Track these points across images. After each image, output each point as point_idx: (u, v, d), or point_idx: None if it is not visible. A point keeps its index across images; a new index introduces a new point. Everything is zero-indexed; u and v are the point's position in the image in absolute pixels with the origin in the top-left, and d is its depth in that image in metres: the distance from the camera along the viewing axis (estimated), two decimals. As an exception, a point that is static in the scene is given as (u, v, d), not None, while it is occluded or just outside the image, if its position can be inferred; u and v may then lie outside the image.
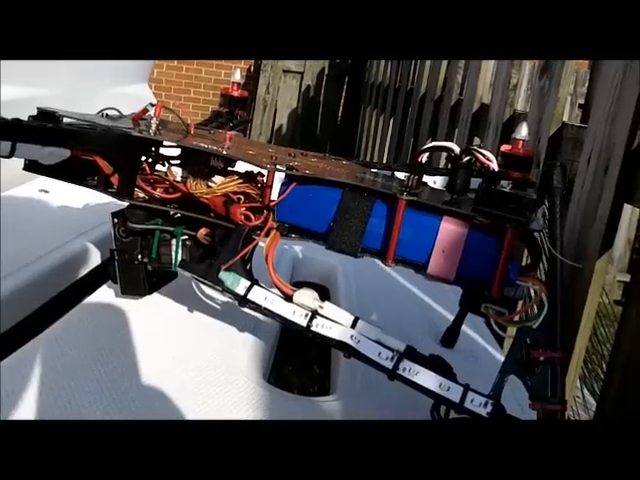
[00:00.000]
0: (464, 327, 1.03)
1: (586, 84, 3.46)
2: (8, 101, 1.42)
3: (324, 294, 1.30)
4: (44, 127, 0.74)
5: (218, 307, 1.00)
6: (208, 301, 1.01)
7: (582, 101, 3.37)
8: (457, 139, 2.69)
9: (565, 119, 3.15)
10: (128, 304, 0.96)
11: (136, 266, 0.90)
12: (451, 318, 1.04)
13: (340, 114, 5.48)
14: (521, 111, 2.15)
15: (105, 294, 0.99)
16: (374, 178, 0.80)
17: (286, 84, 5.36)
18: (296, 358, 1.05)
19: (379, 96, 4.37)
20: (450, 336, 1.00)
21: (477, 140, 2.58)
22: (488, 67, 2.51)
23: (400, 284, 1.31)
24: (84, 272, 1.18)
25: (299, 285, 1.33)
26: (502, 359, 0.75)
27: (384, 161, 3.96)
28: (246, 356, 0.89)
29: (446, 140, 2.85)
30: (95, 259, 1.20)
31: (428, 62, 3.27)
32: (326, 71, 5.36)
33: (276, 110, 5.39)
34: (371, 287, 1.27)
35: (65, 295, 1.09)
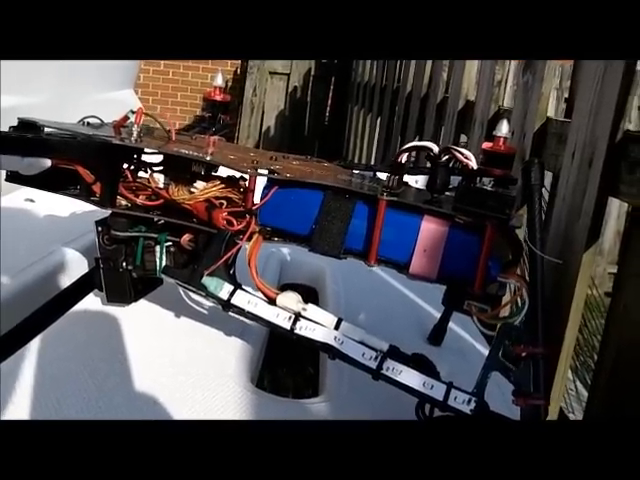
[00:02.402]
0: (452, 324, 1.03)
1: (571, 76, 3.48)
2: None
3: (312, 296, 1.31)
4: (23, 138, 0.74)
5: (205, 312, 1.00)
6: (195, 306, 1.01)
7: (568, 95, 3.38)
8: (444, 137, 2.70)
9: (552, 113, 3.16)
10: (115, 311, 0.96)
11: (121, 274, 0.90)
12: (439, 316, 1.04)
13: (328, 114, 5.48)
14: (506, 107, 2.16)
15: (92, 302, 0.99)
16: (355, 179, 0.81)
17: (273, 86, 5.35)
18: (284, 361, 1.06)
19: (366, 95, 4.38)
20: (437, 334, 1.01)
21: (463, 137, 2.58)
22: (473, 64, 2.52)
23: (388, 283, 1.32)
24: (71, 281, 1.18)
25: (288, 287, 1.34)
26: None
27: (372, 160, 3.96)
28: (234, 360, 0.89)
29: (433, 138, 2.86)
30: (82, 267, 1.20)
31: (413, 60, 3.28)
32: (313, 72, 5.35)
33: (264, 112, 5.39)
34: (359, 287, 1.27)
35: (52, 304, 1.09)
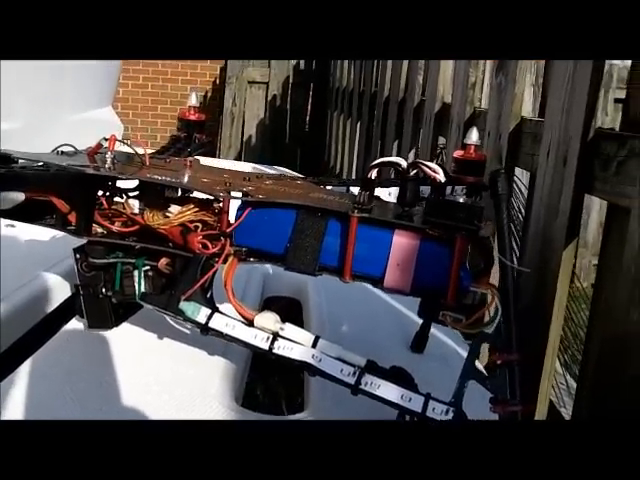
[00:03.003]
0: (435, 330, 1.05)
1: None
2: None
3: (296, 308, 1.32)
4: None
5: (188, 332, 1.01)
6: (178, 326, 1.02)
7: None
8: (422, 139, 2.72)
9: (529, 110, 3.20)
10: (98, 336, 0.96)
11: (101, 299, 0.91)
12: (421, 323, 1.05)
13: (308, 121, 5.50)
14: (482, 109, 2.18)
15: (75, 327, 1.00)
16: (328, 196, 0.82)
17: (252, 95, 5.36)
18: (268, 378, 1.07)
19: (345, 101, 4.40)
20: (419, 341, 1.02)
21: (442, 139, 2.61)
22: (447, 67, 2.54)
23: (370, 292, 1.32)
24: (54, 306, 1.18)
25: (271, 301, 1.35)
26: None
27: (354, 164, 3.98)
28: (218, 380, 0.90)
29: (412, 141, 2.88)
30: (65, 292, 1.21)
31: (389, 65, 3.30)
32: (291, 79, 5.37)
33: (244, 121, 5.40)
34: (342, 297, 1.28)
35: (37, 330, 1.09)
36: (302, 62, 5.41)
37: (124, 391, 0.84)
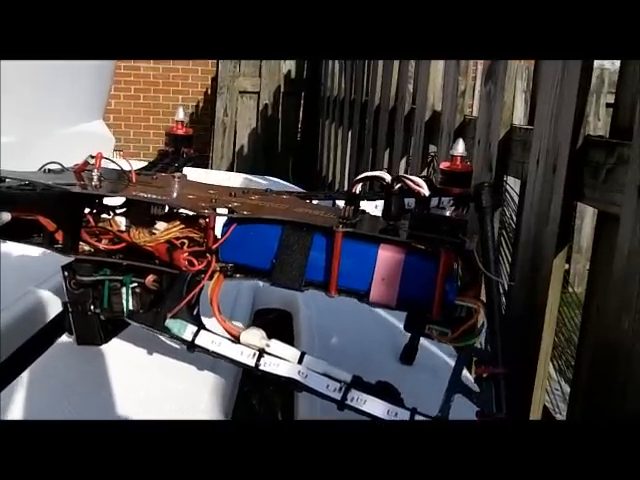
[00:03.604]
0: (425, 342, 1.04)
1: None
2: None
3: (287, 319, 1.32)
4: None
5: (177, 347, 1.01)
6: (167, 341, 1.02)
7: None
8: (413, 148, 2.73)
9: (521, 116, 3.21)
10: (87, 351, 0.96)
11: (90, 317, 0.91)
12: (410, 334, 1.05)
13: (300, 130, 5.51)
14: (471, 117, 2.19)
15: (65, 343, 1.00)
16: (313, 211, 0.82)
17: (244, 104, 5.38)
18: (258, 390, 1.06)
19: (336, 109, 4.41)
20: (408, 353, 1.02)
21: (433, 147, 2.62)
22: (437, 74, 2.56)
23: (361, 304, 1.33)
24: (46, 322, 1.18)
25: (262, 313, 1.35)
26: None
27: (346, 172, 3.99)
28: (207, 395, 0.90)
29: (402, 149, 2.89)
30: (57, 307, 1.21)
31: (380, 73, 3.31)
32: (282, 89, 5.39)
33: (236, 131, 5.41)
34: (332, 308, 1.28)
35: (28, 346, 1.09)
36: (293, 71, 5.43)
37: (115, 407, 0.84)
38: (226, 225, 0.80)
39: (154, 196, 0.81)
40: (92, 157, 0.91)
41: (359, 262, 0.75)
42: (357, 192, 0.78)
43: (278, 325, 1.33)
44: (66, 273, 0.89)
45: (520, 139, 1.77)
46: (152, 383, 0.92)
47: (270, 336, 0.80)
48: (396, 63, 3.06)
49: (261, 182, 2.80)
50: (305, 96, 5.41)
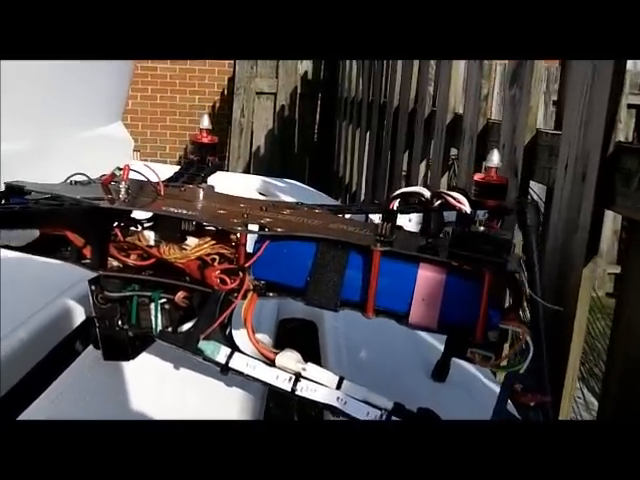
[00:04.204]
0: (456, 359, 1.02)
1: (559, 81, 3.49)
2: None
3: (312, 330, 1.29)
4: (11, 212, 0.73)
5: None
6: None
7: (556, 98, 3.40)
8: (433, 150, 2.70)
9: (540, 118, 3.17)
10: (115, 364, 0.94)
11: (117, 332, 0.89)
12: (440, 347, 1.03)
13: (316, 131, 5.49)
14: (495, 120, 2.16)
15: (92, 353, 0.98)
16: (348, 227, 0.80)
17: (260, 105, 5.36)
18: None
19: (353, 111, 4.38)
20: (441, 369, 0.99)
21: (454, 151, 2.58)
22: (458, 77, 2.52)
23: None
24: (69, 332, 1.16)
25: (286, 322, 1.32)
26: (496, 389, 0.73)
27: (363, 174, 3.96)
28: (238, 395, 0.88)
29: (422, 152, 2.86)
30: (79, 317, 1.19)
31: (399, 75, 3.28)
32: (299, 90, 5.37)
33: (252, 132, 5.40)
34: (359, 320, 1.26)
35: (51, 357, 1.08)
36: (310, 72, 5.41)
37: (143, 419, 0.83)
38: (258, 242, 0.77)
39: (185, 211, 0.79)
40: (119, 169, 0.89)
41: (398, 282, 0.72)
42: (394, 208, 0.76)
43: (302, 335, 1.31)
44: (93, 287, 0.87)
45: (546, 144, 1.74)
46: (184, 397, 0.90)
47: (294, 347, 0.78)
48: (416, 64, 3.02)
49: (278, 184, 2.78)
50: (322, 97, 5.39)
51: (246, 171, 5.25)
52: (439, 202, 0.74)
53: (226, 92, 5.76)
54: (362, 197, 3.97)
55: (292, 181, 2.98)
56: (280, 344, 0.79)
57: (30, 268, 1.39)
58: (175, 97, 5.89)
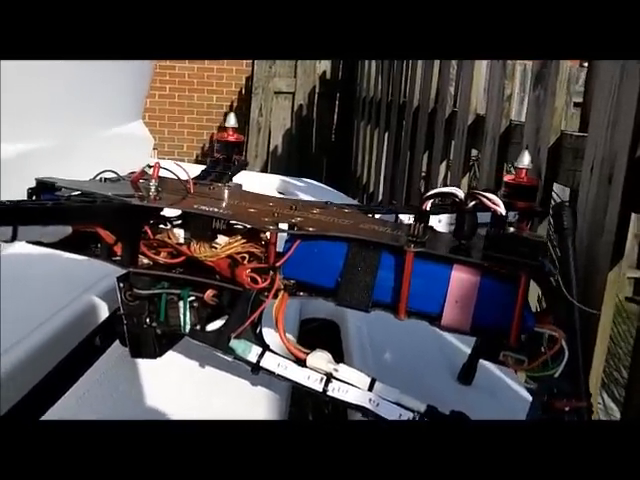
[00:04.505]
0: (483, 361, 1.01)
1: (579, 81, 3.46)
2: (4, 160, 1.42)
3: (334, 329, 1.29)
4: (44, 208, 0.73)
5: (230, 360, 0.99)
6: (220, 355, 1.00)
7: (577, 99, 3.36)
8: (454, 151, 2.68)
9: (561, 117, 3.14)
10: (141, 363, 0.95)
11: (145, 330, 0.89)
12: (465, 349, 1.02)
13: (334, 130, 5.49)
14: (517, 122, 2.14)
15: (117, 350, 0.98)
16: (379, 227, 0.79)
17: (278, 105, 5.36)
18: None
19: (372, 111, 4.37)
20: (467, 372, 0.99)
21: (475, 152, 2.57)
22: (480, 77, 2.51)
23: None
24: (94, 328, 1.17)
25: (308, 322, 1.32)
26: (522, 393, 0.73)
27: (381, 174, 3.95)
28: (263, 394, 0.88)
29: (443, 153, 2.84)
30: (104, 313, 1.20)
31: (419, 74, 3.27)
32: (317, 89, 5.36)
33: (270, 131, 5.40)
34: (381, 321, 1.25)
35: (77, 354, 1.08)
36: (328, 72, 5.41)
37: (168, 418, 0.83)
38: (289, 241, 0.77)
39: (216, 209, 0.78)
40: (150, 167, 0.89)
41: (431, 283, 0.71)
42: (427, 209, 0.75)
43: (324, 334, 1.30)
44: (121, 285, 0.87)
45: (571, 146, 1.72)
46: (212, 398, 0.90)
47: (316, 347, 0.78)
48: (436, 64, 3.01)
49: (297, 184, 2.78)
50: (340, 97, 5.38)
51: (264, 170, 5.25)
52: (473, 203, 0.73)
53: (244, 91, 5.77)
54: (380, 198, 3.96)
55: (311, 180, 2.97)
56: (302, 344, 0.79)
57: (55, 264, 1.40)
58: (193, 96, 5.90)
